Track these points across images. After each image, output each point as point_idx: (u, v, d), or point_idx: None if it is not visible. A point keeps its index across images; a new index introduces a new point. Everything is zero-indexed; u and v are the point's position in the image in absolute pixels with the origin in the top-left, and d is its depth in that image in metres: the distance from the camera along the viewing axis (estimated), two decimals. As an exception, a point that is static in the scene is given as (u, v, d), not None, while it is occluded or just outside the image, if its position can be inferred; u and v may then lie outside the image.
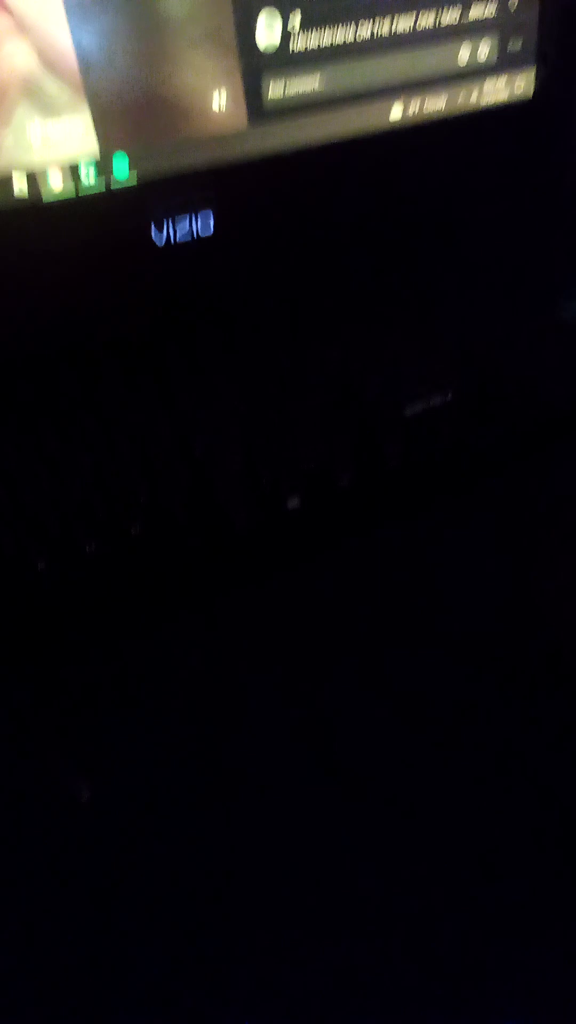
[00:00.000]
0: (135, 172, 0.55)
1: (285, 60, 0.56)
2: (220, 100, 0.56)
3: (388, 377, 0.64)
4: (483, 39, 0.63)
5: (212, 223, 0.60)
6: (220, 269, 0.63)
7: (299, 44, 0.56)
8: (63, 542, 0.53)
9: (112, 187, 0.55)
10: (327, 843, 0.46)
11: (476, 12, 0.61)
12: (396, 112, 0.63)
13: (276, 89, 0.57)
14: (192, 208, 0.59)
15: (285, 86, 0.57)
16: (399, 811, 0.48)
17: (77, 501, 0.56)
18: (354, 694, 0.52)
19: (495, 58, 0.64)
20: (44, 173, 0.53)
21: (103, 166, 0.54)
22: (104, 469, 0.57)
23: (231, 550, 0.56)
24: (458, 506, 0.61)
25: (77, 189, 0.54)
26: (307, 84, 0.58)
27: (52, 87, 0.51)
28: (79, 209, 0.55)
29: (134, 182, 0.56)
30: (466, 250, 0.71)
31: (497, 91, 0.66)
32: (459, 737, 0.50)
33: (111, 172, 0.55)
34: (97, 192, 0.55)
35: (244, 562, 0.56)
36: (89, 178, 0.54)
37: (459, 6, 0.60)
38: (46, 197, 0.54)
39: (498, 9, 0.62)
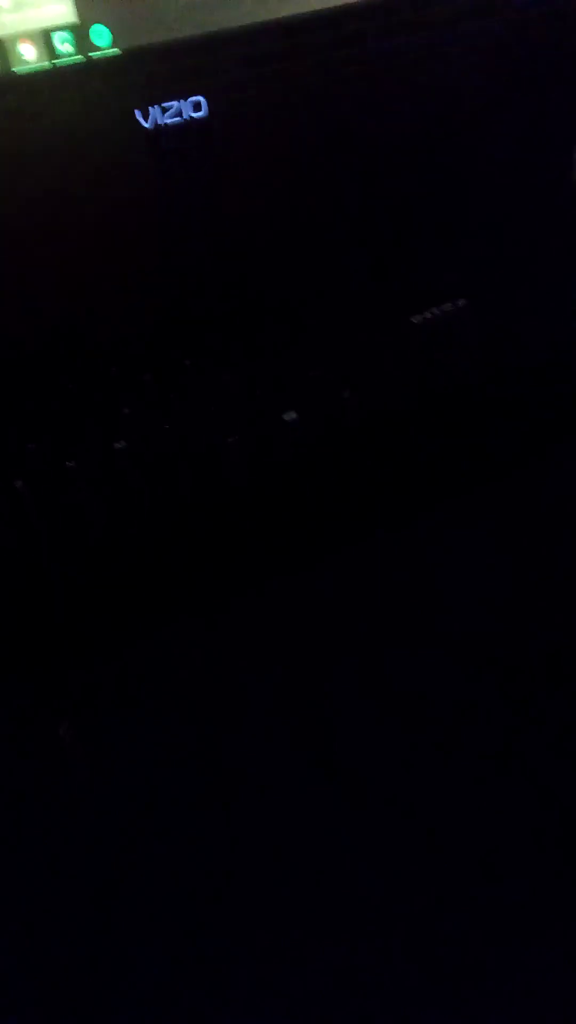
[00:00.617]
0: (117, 40, 0.51)
1: None
2: None
3: (395, 294, 0.62)
4: None
5: (205, 104, 0.55)
6: (213, 154, 0.58)
7: None
8: (42, 459, 0.51)
9: (91, 54, 0.51)
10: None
11: None
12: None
13: None
14: (183, 89, 0.54)
15: None
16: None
17: (57, 420, 0.53)
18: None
19: None
20: (14, 41, 0.49)
21: (80, 34, 0.50)
22: (88, 388, 0.55)
23: (229, 505, 0.55)
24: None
25: (52, 58, 0.50)
26: None
27: None
28: (55, 81, 0.50)
29: (117, 49, 0.51)
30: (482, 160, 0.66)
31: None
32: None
33: (89, 39, 0.50)
34: (75, 63, 0.50)
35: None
36: (65, 46, 0.50)
37: None
38: (17, 66, 0.50)
39: None
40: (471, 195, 0.67)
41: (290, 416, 0.54)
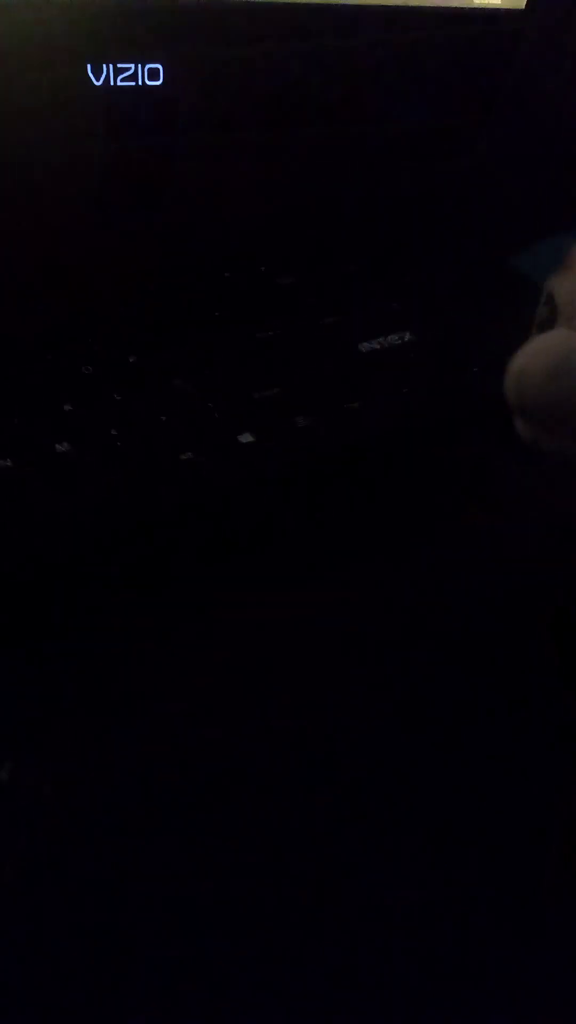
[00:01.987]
0: None
1: None
2: None
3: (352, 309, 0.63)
4: None
5: (162, 70, 0.52)
6: (164, 124, 0.54)
7: None
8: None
9: None
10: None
11: None
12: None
13: None
14: (140, 47, 0.50)
15: None
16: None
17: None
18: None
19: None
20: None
21: None
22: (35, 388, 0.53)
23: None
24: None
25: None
26: None
27: None
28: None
29: None
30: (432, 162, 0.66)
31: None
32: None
33: None
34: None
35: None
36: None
37: None
38: None
39: None
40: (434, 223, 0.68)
41: (245, 438, 0.54)
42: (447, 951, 0.43)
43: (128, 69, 0.52)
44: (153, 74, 0.53)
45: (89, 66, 0.51)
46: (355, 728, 0.51)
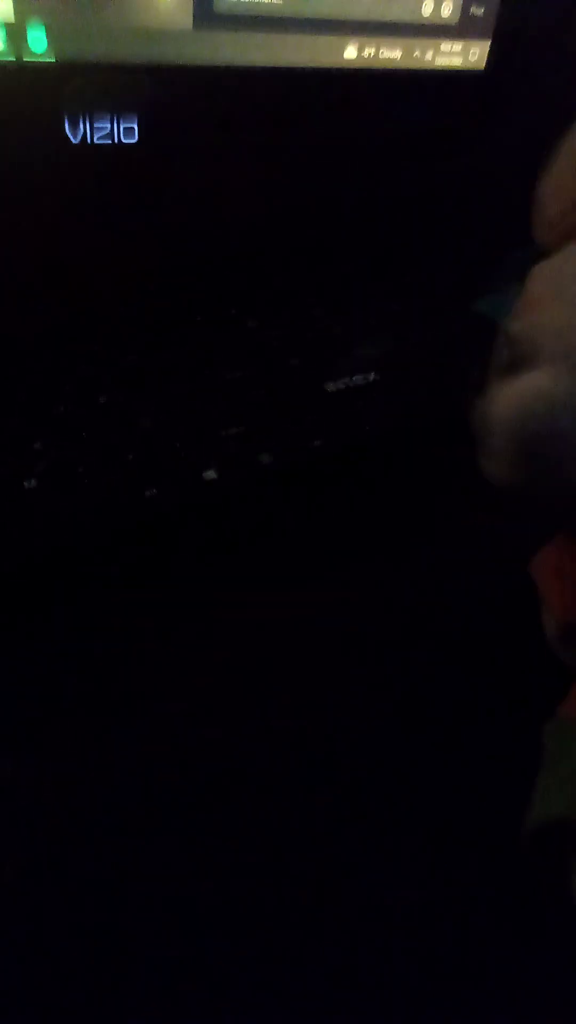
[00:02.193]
0: (54, 48, 0.48)
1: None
2: None
3: (313, 346, 0.63)
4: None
5: (137, 128, 0.53)
6: (140, 182, 0.56)
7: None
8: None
9: (24, 58, 0.48)
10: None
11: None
12: (351, 51, 0.60)
13: (230, -8, 0.48)
14: (116, 106, 0.52)
15: (240, -8, 0.48)
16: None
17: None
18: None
19: (456, 18, 0.62)
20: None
21: (15, 33, 0.47)
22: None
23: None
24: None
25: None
26: (264, -5, 0.49)
27: None
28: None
29: (52, 58, 0.49)
30: (396, 217, 0.68)
31: (453, 54, 0.64)
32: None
33: (25, 41, 0.48)
34: (5, 61, 0.48)
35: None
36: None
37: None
38: None
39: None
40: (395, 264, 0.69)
41: (210, 474, 0.54)
42: (447, 951, 0.43)
43: (104, 128, 0.53)
44: (128, 132, 0.54)
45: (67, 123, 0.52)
46: (355, 728, 0.51)
